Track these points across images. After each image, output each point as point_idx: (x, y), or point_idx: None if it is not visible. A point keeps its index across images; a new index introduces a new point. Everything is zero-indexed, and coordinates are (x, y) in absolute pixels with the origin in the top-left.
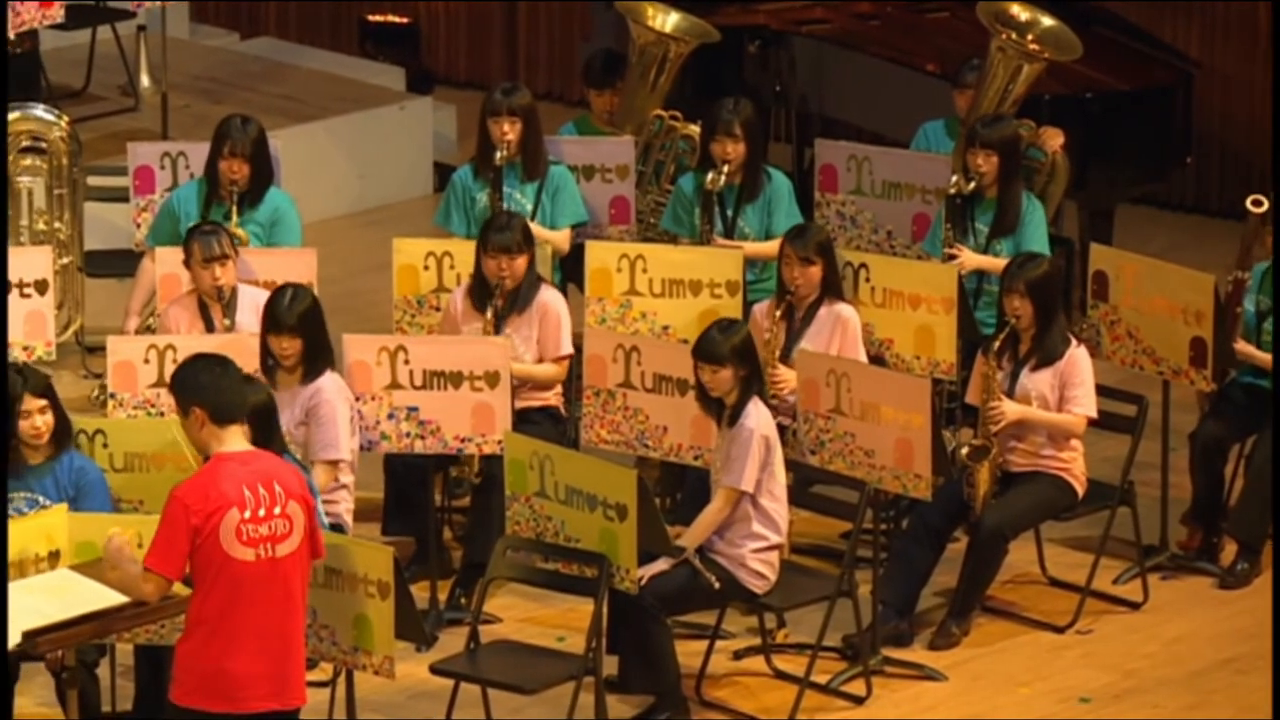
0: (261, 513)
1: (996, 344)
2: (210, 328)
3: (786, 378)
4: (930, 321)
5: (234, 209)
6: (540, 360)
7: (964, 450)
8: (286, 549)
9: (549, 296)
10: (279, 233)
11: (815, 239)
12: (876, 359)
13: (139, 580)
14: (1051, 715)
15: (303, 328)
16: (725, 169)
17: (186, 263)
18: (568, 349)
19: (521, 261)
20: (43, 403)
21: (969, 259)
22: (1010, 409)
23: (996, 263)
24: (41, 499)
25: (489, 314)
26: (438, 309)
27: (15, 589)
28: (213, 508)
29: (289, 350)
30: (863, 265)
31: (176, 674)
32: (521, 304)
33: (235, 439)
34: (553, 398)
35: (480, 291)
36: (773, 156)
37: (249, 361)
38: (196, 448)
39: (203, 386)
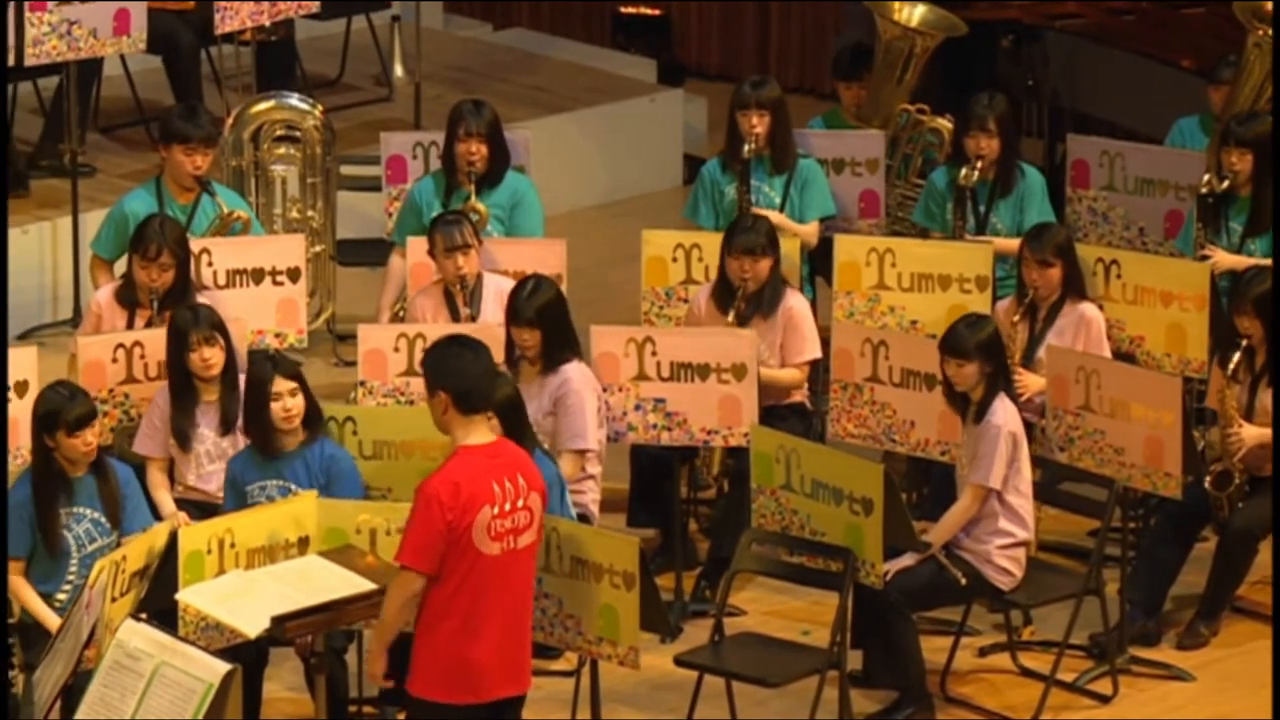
0: (508, 506)
1: (1232, 364)
2: (455, 316)
3: (1028, 384)
4: (1182, 319)
5: (472, 191)
6: (783, 365)
7: (1207, 479)
8: (527, 540)
9: (794, 301)
10: (519, 214)
11: (1052, 241)
12: (1127, 356)
13: (405, 588)
14: None
15: (541, 320)
16: (979, 164)
17: (431, 252)
18: (811, 354)
19: (765, 264)
20: (293, 385)
21: (1222, 259)
22: (1249, 434)
23: (1251, 263)
24: (294, 487)
25: (731, 316)
26: (685, 300)
27: (264, 575)
28: (466, 505)
29: (529, 342)
30: (1114, 262)
31: (418, 666)
32: (766, 308)
33: (480, 427)
34: (798, 393)
35: (724, 293)
36: (1024, 151)
37: (498, 353)
38: (439, 429)
39: (451, 371)
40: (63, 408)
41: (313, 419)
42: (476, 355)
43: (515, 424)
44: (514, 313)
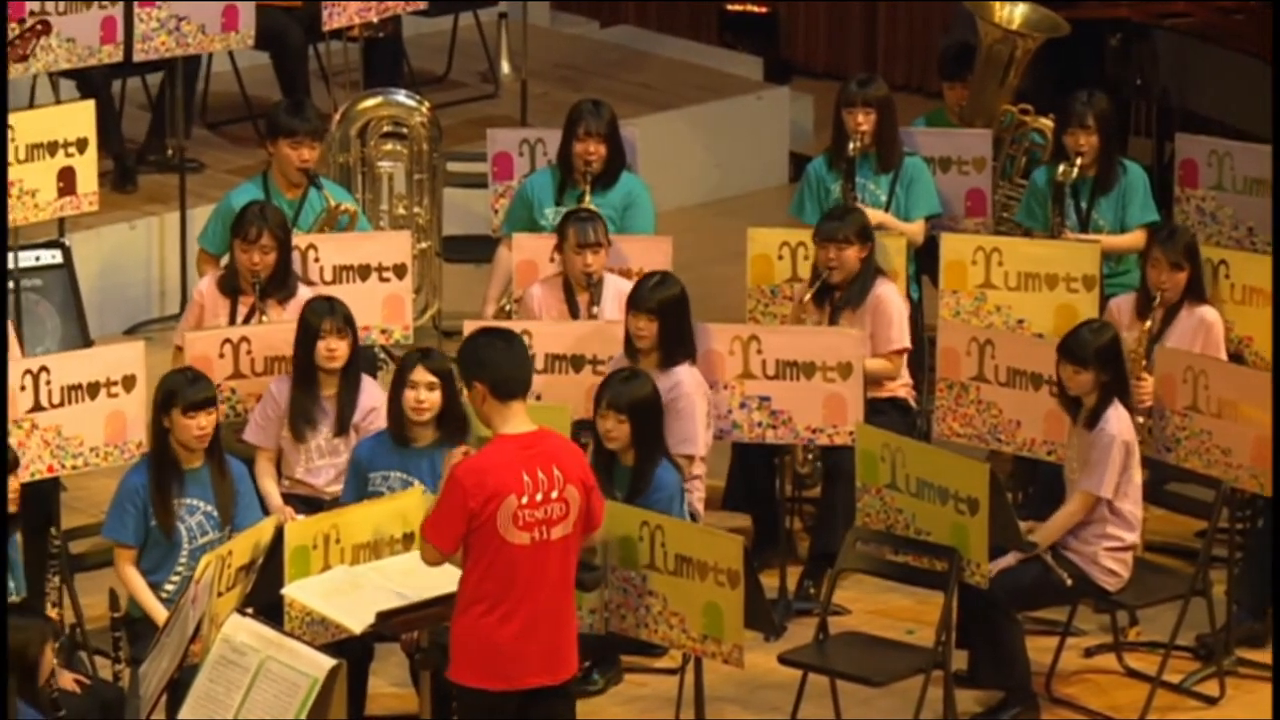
0: (539, 497)
1: None
2: (574, 312)
3: (1149, 390)
4: None
5: (587, 191)
6: (874, 355)
7: None
8: (560, 532)
9: (884, 290)
10: (632, 216)
11: (1184, 241)
12: (1236, 356)
13: (425, 556)
14: None
15: (661, 312)
16: (1078, 161)
17: (560, 246)
18: (901, 343)
19: (851, 253)
20: (431, 379)
21: None
22: None
23: None
24: (417, 483)
25: (808, 297)
26: (791, 299)
27: (370, 570)
28: (490, 494)
29: (644, 332)
30: (1222, 262)
31: (453, 651)
32: (857, 298)
33: (518, 416)
34: (902, 389)
35: (813, 280)
36: (1133, 151)
37: (607, 350)
38: (481, 422)
39: (485, 362)
40: (181, 388)
41: (453, 424)
42: (509, 344)
43: (646, 424)
44: (635, 301)
